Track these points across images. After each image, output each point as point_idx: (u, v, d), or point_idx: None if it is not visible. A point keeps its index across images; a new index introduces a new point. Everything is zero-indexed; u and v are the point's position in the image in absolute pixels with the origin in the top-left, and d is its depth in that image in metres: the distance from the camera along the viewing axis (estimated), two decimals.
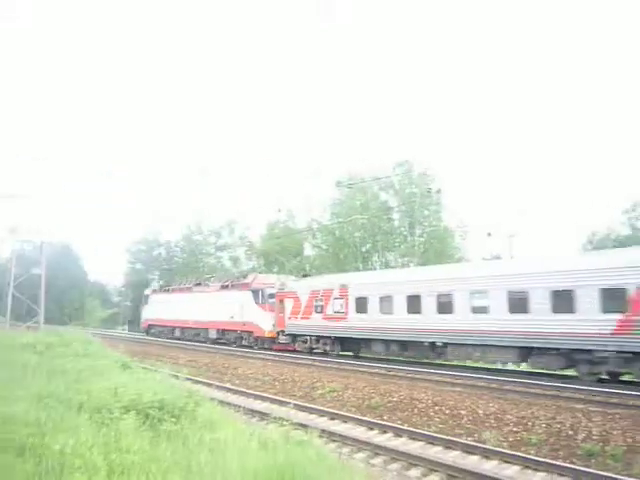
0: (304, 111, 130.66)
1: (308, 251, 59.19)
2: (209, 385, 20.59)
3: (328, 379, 20.80)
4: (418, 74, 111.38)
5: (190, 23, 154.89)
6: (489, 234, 35.84)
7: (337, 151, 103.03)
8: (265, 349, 31.95)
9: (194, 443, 7.30)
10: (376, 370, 22.57)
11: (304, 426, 10.80)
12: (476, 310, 21.43)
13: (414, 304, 23.75)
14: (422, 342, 23.70)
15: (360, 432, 13.96)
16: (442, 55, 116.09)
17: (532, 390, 17.31)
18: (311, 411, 16.29)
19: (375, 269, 48.35)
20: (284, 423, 9.69)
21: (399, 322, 24.27)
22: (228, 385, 20.99)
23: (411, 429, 13.95)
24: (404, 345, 24.82)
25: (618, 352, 17.38)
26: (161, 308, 46.01)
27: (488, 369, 22.77)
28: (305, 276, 36.53)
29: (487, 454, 11.60)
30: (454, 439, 12.76)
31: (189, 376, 13.41)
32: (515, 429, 13.76)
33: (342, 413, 15.99)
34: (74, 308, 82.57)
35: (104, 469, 5.80)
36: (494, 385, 18.54)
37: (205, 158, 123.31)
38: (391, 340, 25.14)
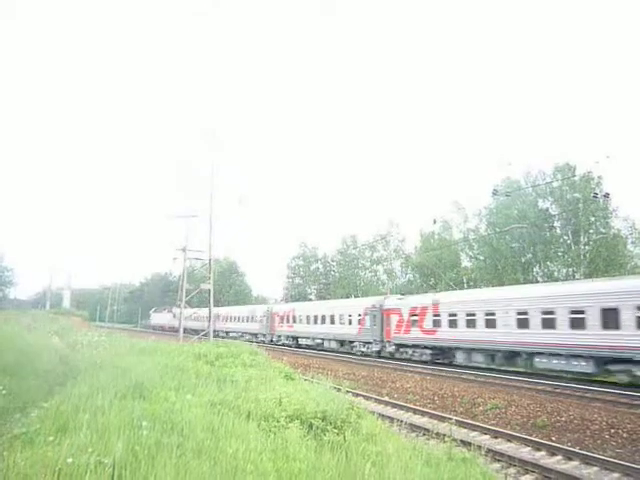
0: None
1: (465, 262, 57.60)
2: (368, 398, 20.75)
3: (490, 395, 20.06)
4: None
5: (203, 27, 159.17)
6: None
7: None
8: (423, 362, 31.65)
9: (357, 455, 7.35)
10: (541, 387, 21.39)
11: (466, 443, 10.50)
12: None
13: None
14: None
15: (526, 452, 13.30)
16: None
17: None
18: (473, 428, 15.80)
19: (537, 281, 45.88)
20: (446, 439, 9.49)
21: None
22: (387, 399, 20.95)
23: (584, 452, 12.99)
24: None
25: None
26: (157, 317, 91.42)
27: None
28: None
29: None
30: (634, 466, 11.67)
31: (348, 389, 13.57)
32: None
33: (506, 431, 15.32)
34: None
35: (273, 475, 6.04)
36: None
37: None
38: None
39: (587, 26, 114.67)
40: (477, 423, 16.50)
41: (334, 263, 79.01)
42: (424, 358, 32.12)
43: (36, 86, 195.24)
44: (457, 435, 11.14)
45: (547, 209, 48.74)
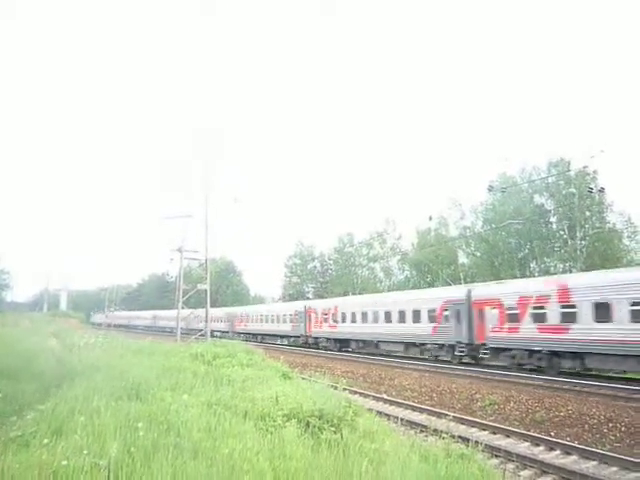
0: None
1: (462, 259, 57.63)
2: (366, 396, 20.74)
3: (488, 391, 20.04)
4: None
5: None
6: None
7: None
8: (418, 359, 31.44)
9: (354, 452, 7.33)
10: (539, 382, 21.39)
11: (465, 440, 10.49)
12: None
13: None
14: None
15: (525, 448, 13.31)
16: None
17: None
18: (471, 424, 15.82)
19: (533, 276, 45.92)
20: (444, 436, 9.47)
21: None
22: (385, 396, 20.96)
23: (582, 447, 13.00)
24: None
25: None
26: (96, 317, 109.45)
27: None
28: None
29: None
30: (633, 459, 11.67)
31: (346, 387, 13.56)
32: None
33: (505, 427, 15.33)
34: None
35: (270, 474, 6.00)
36: None
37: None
38: None
39: (579, 22, 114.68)
40: (475, 419, 16.52)
41: (331, 261, 79.00)
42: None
43: (35, 86, 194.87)
44: (456, 431, 11.11)
45: (543, 204, 48.87)
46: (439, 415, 16.36)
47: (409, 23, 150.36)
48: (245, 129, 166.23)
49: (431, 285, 54.61)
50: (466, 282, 49.00)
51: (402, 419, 14.55)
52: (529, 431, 14.98)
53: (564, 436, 14.67)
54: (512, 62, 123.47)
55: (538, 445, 13.50)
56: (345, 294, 64.08)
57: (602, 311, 21.20)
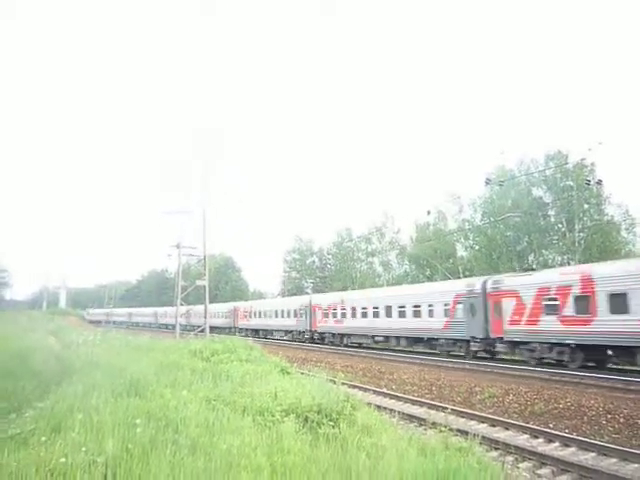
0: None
1: (461, 252, 57.58)
2: (365, 390, 20.75)
3: (487, 384, 20.05)
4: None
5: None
6: None
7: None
8: (417, 352, 31.60)
9: (352, 447, 7.34)
10: (538, 375, 21.42)
11: (464, 432, 10.49)
12: None
13: None
14: None
15: (524, 440, 13.31)
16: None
17: None
18: (470, 417, 15.81)
19: (532, 268, 45.86)
20: (442, 429, 9.47)
21: None
22: (385, 390, 20.96)
23: (581, 438, 13.02)
24: None
25: None
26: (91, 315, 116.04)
27: None
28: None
29: None
30: (632, 450, 11.69)
31: (345, 381, 13.55)
32: None
33: (504, 419, 15.33)
34: None
35: (267, 469, 6.02)
36: None
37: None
38: None
39: (576, 16, 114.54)
40: (475, 412, 16.51)
41: (330, 256, 78.96)
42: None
43: (34, 86, 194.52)
44: (455, 425, 11.12)
45: (541, 197, 48.79)
46: (438, 408, 16.37)
47: (407, 19, 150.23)
48: (245, 126, 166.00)
49: (430, 279, 54.71)
50: (465, 275, 49.02)
51: (402, 413, 14.56)
52: (528, 423, 14.98)
53: (563, 428, 14.67)
54: (510, 56, 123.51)
55: (537, 437, 13.50)
56: (344, 289, 64.08)
57: (358, 313, 38.32)
